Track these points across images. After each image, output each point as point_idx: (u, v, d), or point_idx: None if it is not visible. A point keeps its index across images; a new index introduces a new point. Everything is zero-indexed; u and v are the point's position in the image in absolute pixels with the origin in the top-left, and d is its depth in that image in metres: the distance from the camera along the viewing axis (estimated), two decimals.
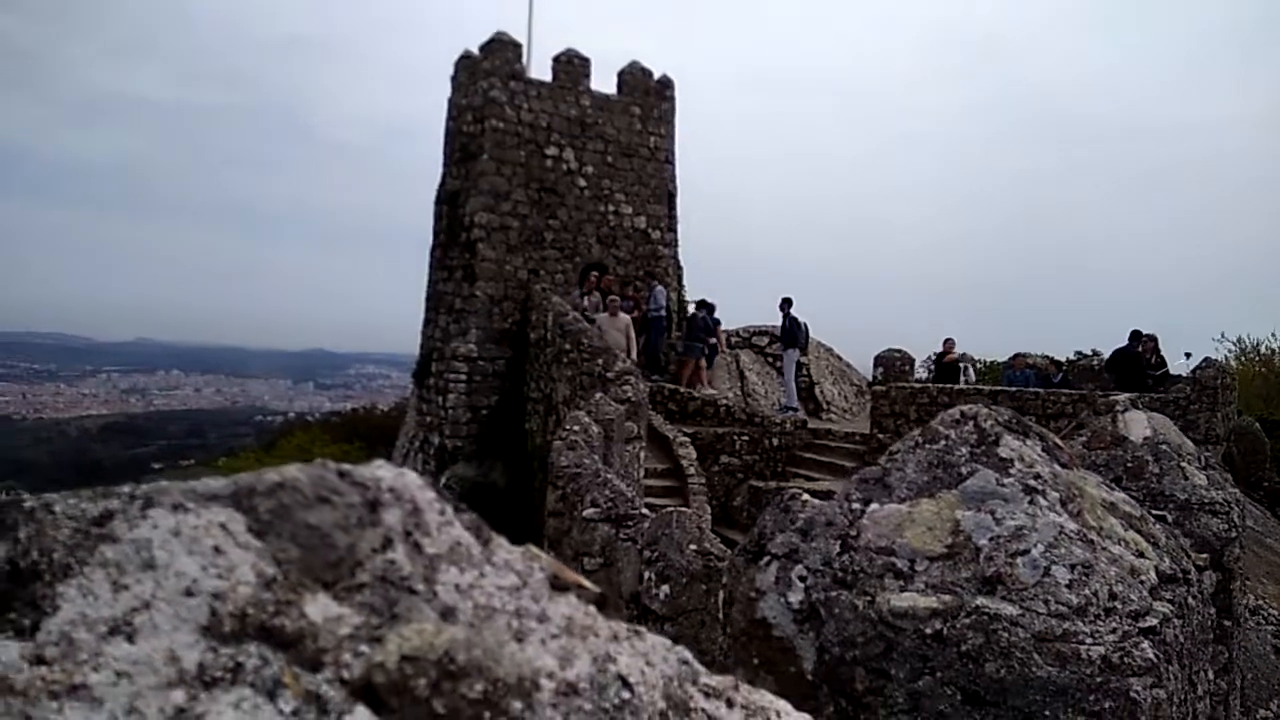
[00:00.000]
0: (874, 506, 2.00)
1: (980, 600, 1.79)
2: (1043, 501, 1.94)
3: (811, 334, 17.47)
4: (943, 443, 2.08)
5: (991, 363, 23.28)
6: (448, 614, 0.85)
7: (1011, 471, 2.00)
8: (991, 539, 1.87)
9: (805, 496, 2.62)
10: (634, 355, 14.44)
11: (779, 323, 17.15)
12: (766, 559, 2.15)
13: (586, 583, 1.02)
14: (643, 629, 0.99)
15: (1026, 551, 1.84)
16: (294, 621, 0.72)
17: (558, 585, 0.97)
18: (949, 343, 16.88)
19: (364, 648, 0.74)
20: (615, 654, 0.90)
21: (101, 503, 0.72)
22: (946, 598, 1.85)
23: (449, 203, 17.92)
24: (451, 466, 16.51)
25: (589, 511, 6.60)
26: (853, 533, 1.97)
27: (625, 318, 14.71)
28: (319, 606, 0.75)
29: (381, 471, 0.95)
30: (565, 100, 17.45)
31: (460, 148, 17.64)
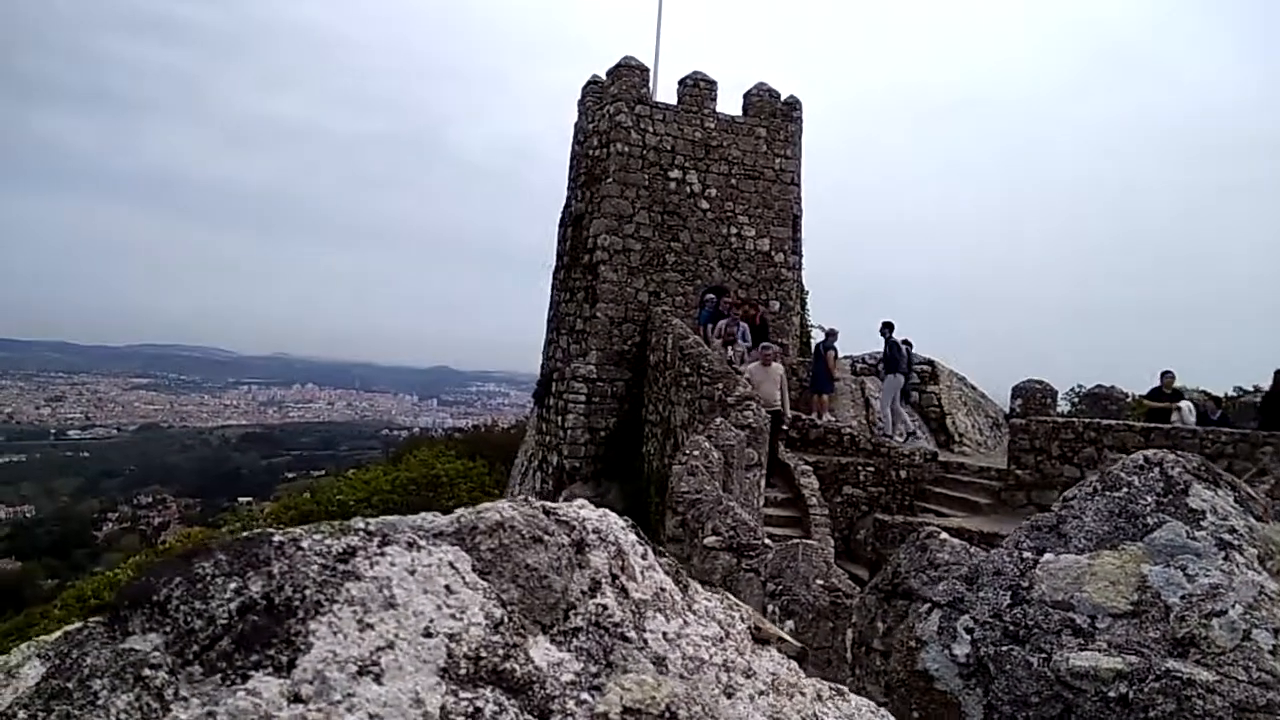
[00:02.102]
0: (1048, 556, 1.89)
1: (1171, 663, 1.66)
2: (1239, 558, 1.80)
3: (942, 363, 16.92)
4: (1125, 490, 1.96)
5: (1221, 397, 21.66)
6: (659, 664, 0.83)
7: (1203, 524, 1.86)
8: (1183, 597, 1.74)
9: (943, 535, 2.51)
10: (788, 410, 13.34)
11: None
12: (927, 606, 2.06)
13: (787, 636, 0.99)
14: (844, 688, 0.95)
15: (1223, 612, 1.70)
16: (521, 666, 0.72)
17: (759, 638, 0.95)
18: (1168, 376, 14.78)
19: (586, 696, 0.74)
20: (821, 715, 0.87)
21: (343, 539, 0.74)
22: (1133, 659, 1.73)
23: (573, 225, 18.28)
24: (569, 486, 16.72)
25: (710, 539, 6.53)
26: (1025, 583, 1.87)
27: (779, 367, 13.45)
28: (541, 651, 0.76)
29: (585, 512, 0.95)
30: (690, 123, 17.57)
31: (585, 171, 17.98)
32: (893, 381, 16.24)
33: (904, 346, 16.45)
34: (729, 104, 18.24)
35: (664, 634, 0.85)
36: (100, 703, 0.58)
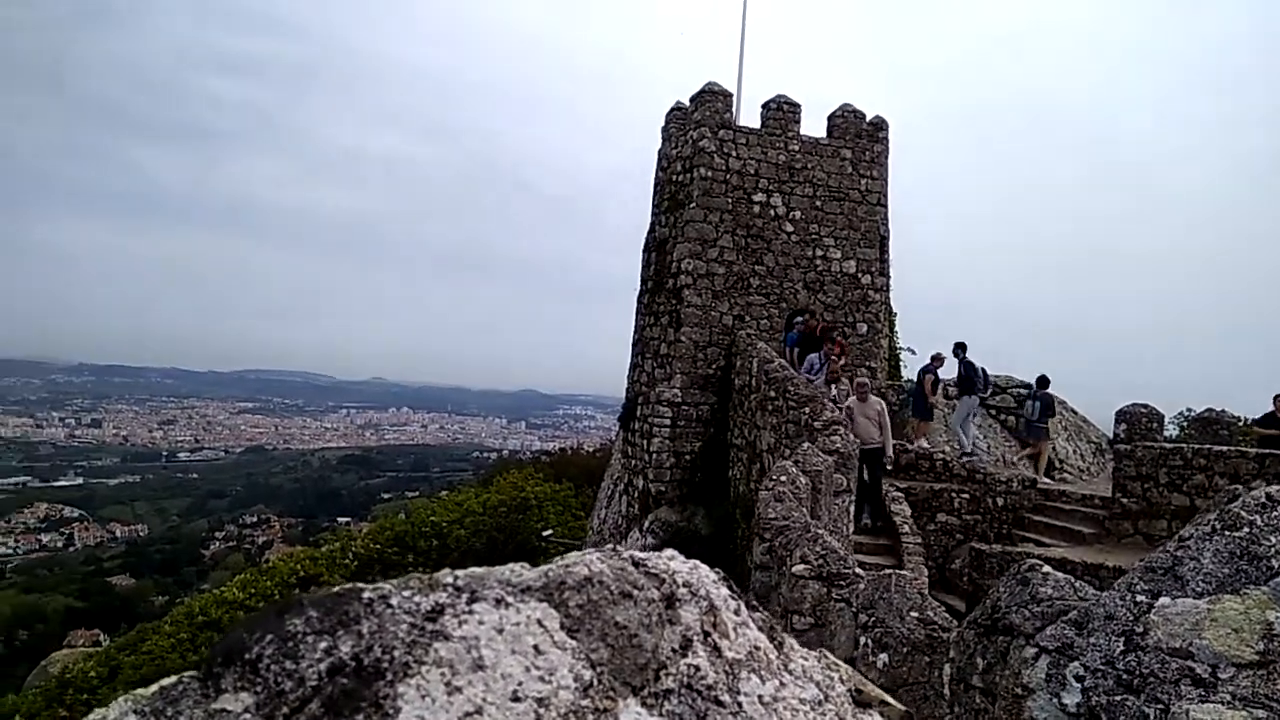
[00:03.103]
0: (1164, 600, 1.77)
1: None
2: None
3: (1051, 389, 16.31)
4: (1246, 530, 1.82)
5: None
6: None
7: None
8: None
9: (1046, 568, 2.38)
10: (890, 448, 12.54)
11: (993, 373, 16.22)
12: (1034, 650, 1.95)
13: (890, 699, 0.94)
14: None
15: None
16: None
17: (861, 700, 0.90)
18: None
19: None
20: None
21: (432, 595, 0.73)
22: (1260, 714, 1.60)
23: (657, 250, 18.36)
24: (655, 510, 16.68)
25: (799, 568, 6.39)
26: (1139, 629, 1.75)
27: (878, 402, 12.71)
28: (631, 715, 0.73)
29: (675, 564, 0.92)
30: (774, 146, 17.49)
31: (669, 196, 18.07)
32: (967, 403, 15.76)
33: (981, 369, 15.97)
34: (812, 126, 18.12)
35: (759, 697, 0.82)
36: None
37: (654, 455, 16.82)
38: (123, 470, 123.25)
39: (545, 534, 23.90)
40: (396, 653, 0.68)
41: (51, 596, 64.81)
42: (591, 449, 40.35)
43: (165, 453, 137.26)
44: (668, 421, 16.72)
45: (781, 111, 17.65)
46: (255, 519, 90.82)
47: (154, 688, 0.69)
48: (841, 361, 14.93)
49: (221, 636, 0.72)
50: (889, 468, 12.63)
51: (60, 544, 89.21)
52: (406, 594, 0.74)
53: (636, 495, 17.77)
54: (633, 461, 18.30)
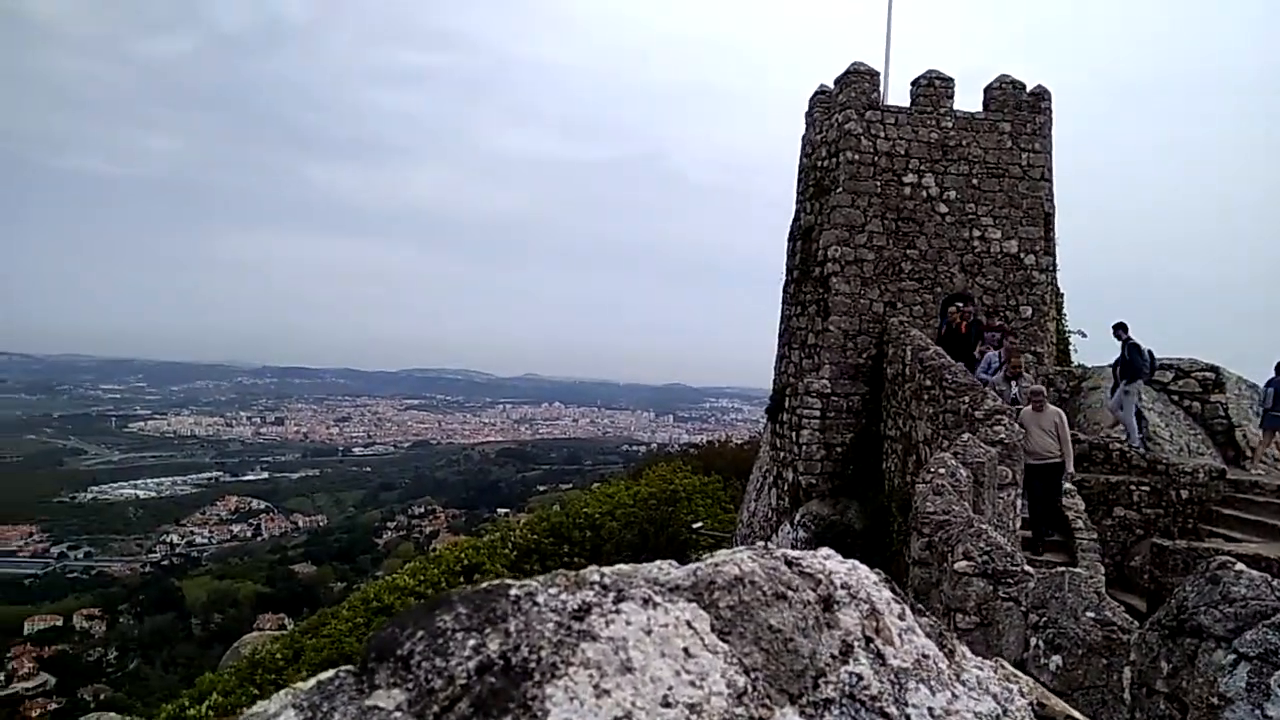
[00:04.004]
0: None
1: None
2: None
3: (1227, 369, 14.97)
4: None
5: None
6: None
7: None
8: None
9: (1238, 565, 2.17)
10: (1070, 462, 11.37)
11: (1175, 355, 14.97)
12: (1232, 657, 1.76)
13: (1076, 714, 0.85)
14: None
15: None
16: None
17: (1044, 716, 0.82)
18: None
19: None
20: None
21: (579, 594, 0.71)
22: None
23: (802, 238, 18.02)
24: (805, 504, 16.41)
25: (962, 564, 6.11)
26: None
27: (1056, 412, 11.65)
28: None
29: (832, 564, 0.87)
30: (925, 124, 16.81)
31: (814, 183, 17.69)
32: (1133, 388, 14.55)
33: (1147, 350, 14.71)
34: (967, 101, 17.29)
35: (929, 710, 0.75)
36: None
37: (803, 447, 16.54)
38: (303, 465, 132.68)
39: (695, 526, 23.97)
40: (544, 653, 0.66)
41: (242, 583, 70.55)
42: (739, 442, 40.16)
43: (341, 448, 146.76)
44: (817, 413, 16.40)
45: (933, 87, 16.94)
46: (422, 510, 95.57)
47: (311, 682, 0.71)
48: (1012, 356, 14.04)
49: (375, 632, 0.72)
50: (1068, 485, 11.49)
51: (249, 534, 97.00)
52: (553, 592, 0.72)
53: (786, 488, 17.53)
54: (781, 454, 18.06)
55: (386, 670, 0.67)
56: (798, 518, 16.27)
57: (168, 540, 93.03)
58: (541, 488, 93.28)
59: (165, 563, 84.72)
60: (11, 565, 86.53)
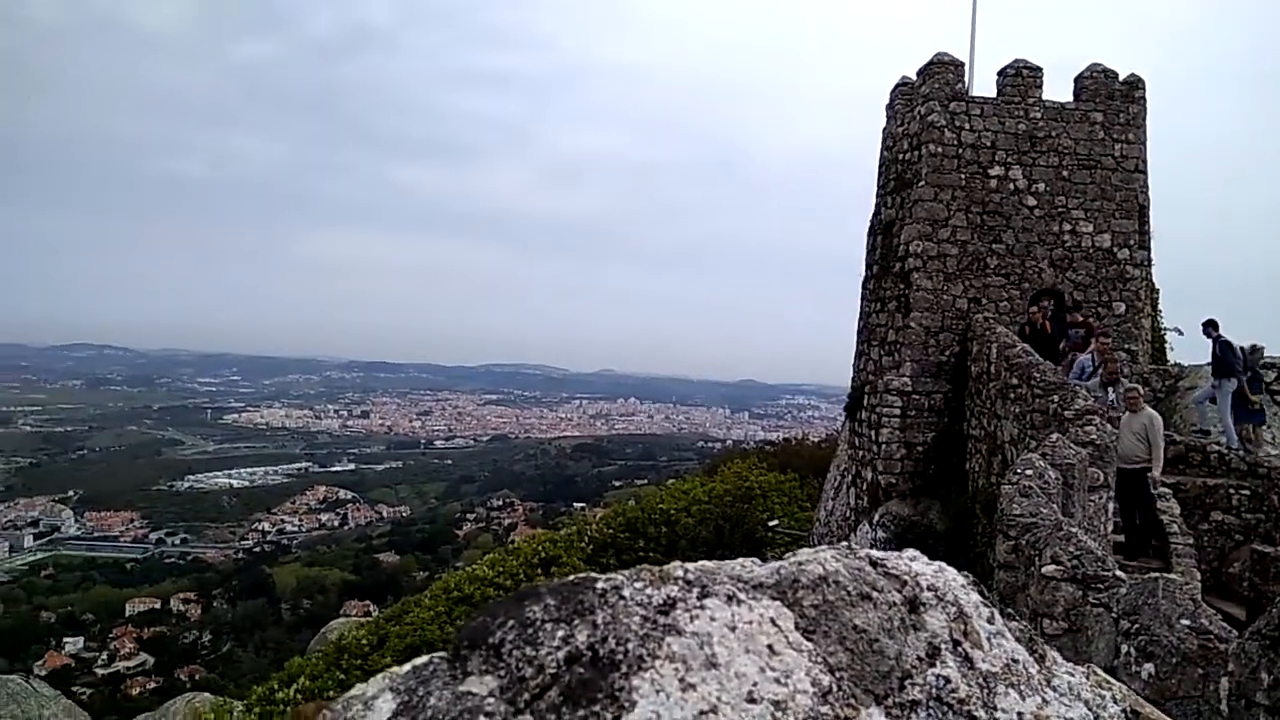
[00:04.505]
0: None
1: None
2: None
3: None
4: None
5: None
6: None
7: None
8: None
9: None
10: (1158, 468, 10.78)
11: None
12: None
13: None
14: None
15: None
16: None
17: None
18: None
19: None
20: None
21: (663, 589, 0.72)
22: None
23: (883, 233, 17.70)
24: (885, 503, 16.13)
25: (1050, 568, 5.94)
26: None
27: (1148, 414, 11.04)
28: None
29: (918, 565, 0.86)
30: (1012, 115, 16.32)
31: (895, 176, 17.35)
32: (1226, 388, 13.83)
33: (1240, 348, 13.98)
34: (1056, 91, 16.72)
35: (1019, 715, 0.74)
36: None
37: (883, 446, 16.26)
38: (387, 457, 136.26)
39: (771, 524, 23.79)
40: (630, 645, 0.67)
41: (330, 570, 72.87)
42: (816, 439, 39.67)
43: (423, 441, 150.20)
44: (897, 411, 16.10)
45: (1020, 77, 16.44)
46: (501, 502, 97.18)
47: (407, 666, 0.73)
48: (1108, 359, 13.44)
49: (467, 620, 0.75)
50: (1161, 489, 10.92)
51: (336, 523, 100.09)
52: (638, 585, 0.73)
53: (865, 487, 17.27)
54: (860, 453, 17.79)
55: (479, 657, 0.69)
56: (877, 518, 16.01)
57: (259, 528, 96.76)
58: (617, 483, 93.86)
59: (257, 550, 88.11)
60: (114, 550, 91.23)
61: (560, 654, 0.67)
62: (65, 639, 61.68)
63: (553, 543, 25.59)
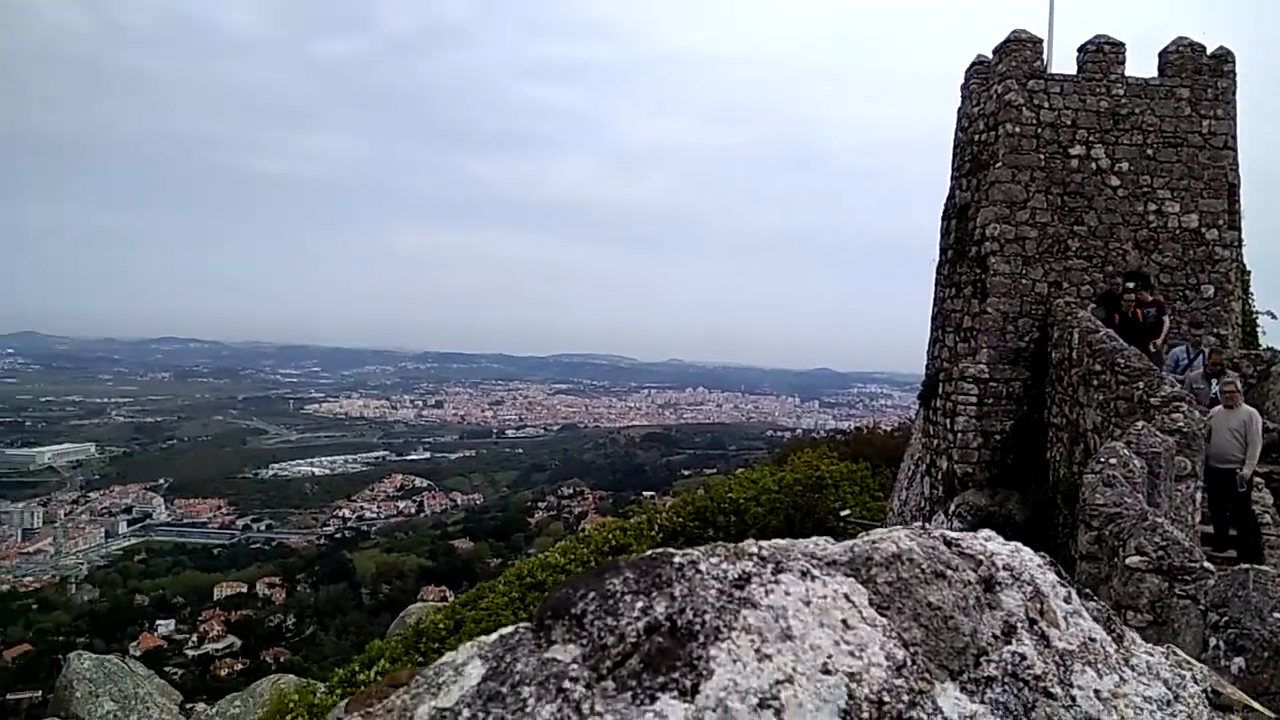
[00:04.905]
0: None
1: None
2: None
3: None
4: None
5: None
6: None
7: None
8: None
9: None
10: (1249, 467, 10.18)
11: None
12: None
13: (1255, 704, 0.82)
14: None
15: None
16: (929, 716, 0.66)
17: (1219, 703, 0.79)
18: None
19: None
20: None
21: (738, 564, 0.74)
22: None
23: (958, 216, 17.30)
24: (961, 493, 15.82)
25: (1134, 559, 5.78)
26: None
27: (1247, 411, 10.49)
28: (950, 701, 0.69)
29: (993, 545, 0.86)
30: (1094, 92, 15.77)
31: (971, 158, 16.93)
32: None
33: None
34: (1139, 66, 16.10)
35: (1095, 691, 0.74)
36: (528, 710, 0.64)
37: (959, 435, 15.93)
38: (461, 446, 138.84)
39: (843, 514, 23.53)
40: (707, 616, 0.70)
41: (407, 556, 74.64)
42: (889, 428, 39.03)
43: (495, 430, 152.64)
44: (973, 399, 15.75)
45: (1102, 53, 15.86)
46: (571, 491, 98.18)
47: (494, 636, 0.77)
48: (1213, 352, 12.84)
49: (550, 592, 0.78)
50: (1240, 489, 10.29)
51: (413, 510, 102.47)
52: (714, 561, 0.76)
53: (940, 477, 16.95)
54: (935, 441, 17.46)
55: (562, 627, 0.72)
56: (953, 508, 15.72)
57: (340, 515, 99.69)
58: (686, 472, 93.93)
59: (338, 536, 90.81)
60: (202, 536, 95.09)
61: (640, 624, 0.70)
62: (158, 621, 64.60)
63: (623, 531, 25.75)
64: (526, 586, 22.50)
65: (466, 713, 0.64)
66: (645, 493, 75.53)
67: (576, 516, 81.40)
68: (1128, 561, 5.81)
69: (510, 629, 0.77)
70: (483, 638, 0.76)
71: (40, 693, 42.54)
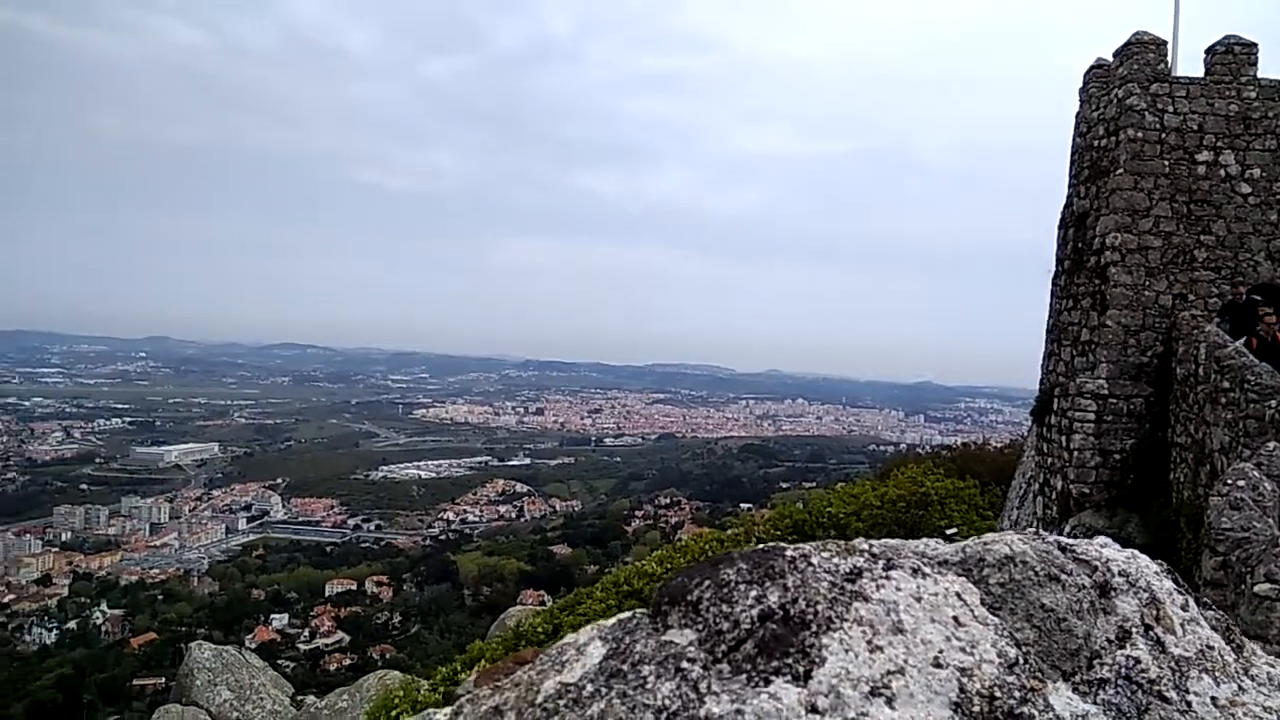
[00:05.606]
0: None
1: None
2: None
3: None
4: None
5: None
6: None
7: None
8: None
9: None
10: None
11: None
12: None
13: None
14: None
15: None
16: (1040, 713, 0.67)
17: None
18: None
19: None
20: None
21: (849, 559, 0.77)
22: None
23: (1075, 225, 16.63)
24: (1077, 514, 15.16)
25: (1263, 587, 5.49)
26: None
27: None
28: (1062, 700, 0.70)
29: (1109, 551, 0.86)
30: (1223, 95, 14.94)
31: (1090, 164, 16.26)
32: None
33: None
34: (1273, 68, 15.18)
35: (1212, 699, 0.74)
36: (649, 686, 0.68)
37: (1075, 453, 15.27)
38: (560, 453, 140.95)
39: (949, 532, 22.83)
40: (819, 607, 0.73)
41: (507, 560, 76.10)
42: (999, 445, 37.68)
43: (593, 438, 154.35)
44: (1091, 416, 15.07)
45: (1231, 54, 15.02)
46: (668, 500, 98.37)
47: (612, 620, 0.82)
48: None
49: (665, 581, 0.82)
50: None
51: (513, 515, 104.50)
52: (825, 555, 0.78)
53: (1054, 497, 16.28)
54: (1049, 460, 16.78)
55: (678, 613, 0.76)
56: (1067, 529, 15.08)
57: (444, 517, 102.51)
58: (784, 485, 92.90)
59: (442, 538, 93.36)
60: (315, 534, 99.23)
61: (754, 611, 0.73)
62: (272, 615, 67.67)
63: (719, 542, 25.61)
64: (623, 594, 22.62)
65: (590, 687, 0.69)
66: (742, 505, 74.98)
67: (673, 526, 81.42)
68: (1256, 589, 5.52)
69: (628, 614, 0.81)
70: (601, 621, 0.81)
71: (163, 680, 45.14)
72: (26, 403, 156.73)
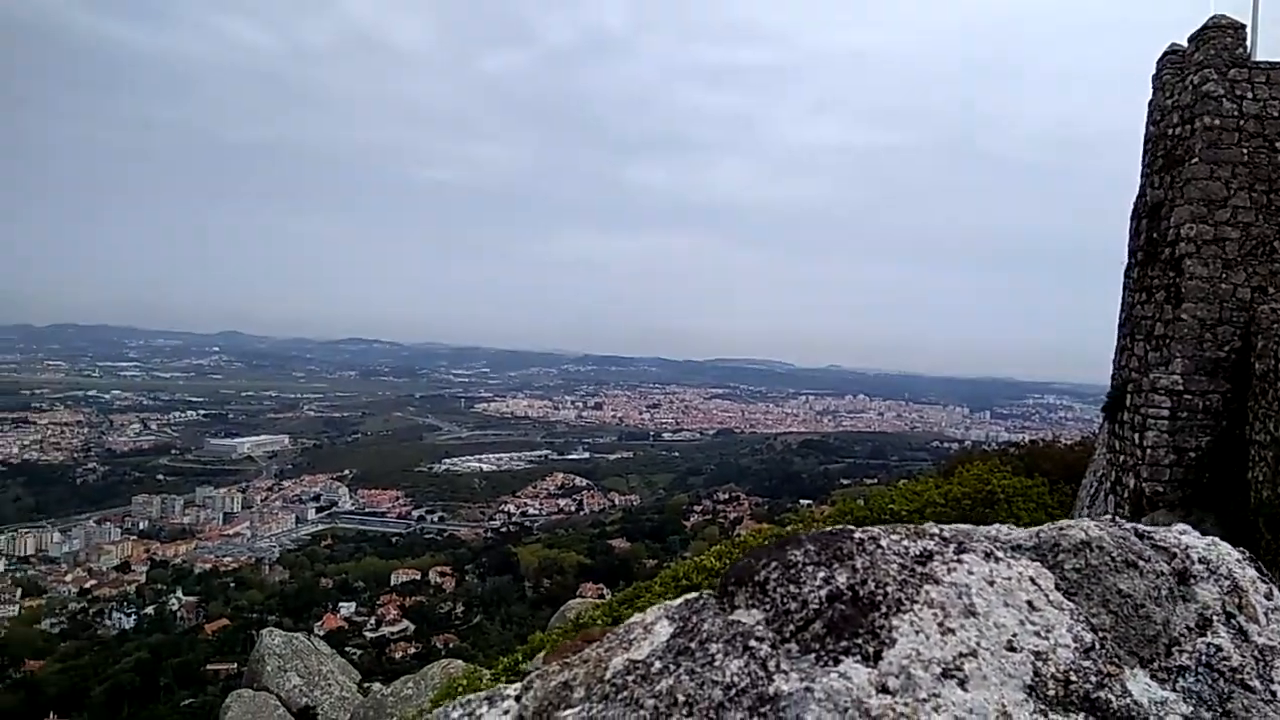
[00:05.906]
0: None
1: None
2: None
3: None
4: None
5: None
6: None
7: None
8: None
9: None
10: None
11: None
12: None
13: None
14: None
15: None
16: (1118, 698, 0.66)
17: None
18: None
19: None
20: None
21: (919, 542, 0.76)
22: None
23: (1149, 215, 16.10)
24: (1150, 514, 14.71)
25: None
26: None
27: None
28: (1140, 685, 0.69)
29: (1188, 539, 0.84)
30: None
31: (1164, 153, 15.73)
32: None
33: None
34: None
35: None
36: (717, 664, 0.69)
37: (1148, 451, 14.79)
38: (619, 447, 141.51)
39: None
40: (889, 589, 0.72)
41: (567, 553, 76.67)
42: (1069, 442, 36.67)
43: (652, 433, 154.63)
44: (1166, 413, 14.58)
45: None
46: (726, 496, 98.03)
47: (679, 600, 0.82)
48: None
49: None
50: None
51: (573, 508, 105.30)
52: (895, 538, 0.78)
53: (1126, 495, 15.81)
54: (1121, 458, 16.30)
55: (745, 593, 0.76)
56: None
57: (505, 510, 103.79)
58: (845, 481, 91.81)
59: (503, 530, 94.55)
60: (381, 524, 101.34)
61: (822, 592, 0.73)
62: (340, 603, 69.30)
63: (778, 538, 25.44)
64: (682, 589, 22.56)
65: (658, 664, 0.70)
66: (801, 500, 74.30)
67: (731, 521, 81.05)
68: None
69: (694, 594, 0.82)
70: (669, 601, 0.82)
71: (235, 665, 46.55)
72: (106, 395, 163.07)
